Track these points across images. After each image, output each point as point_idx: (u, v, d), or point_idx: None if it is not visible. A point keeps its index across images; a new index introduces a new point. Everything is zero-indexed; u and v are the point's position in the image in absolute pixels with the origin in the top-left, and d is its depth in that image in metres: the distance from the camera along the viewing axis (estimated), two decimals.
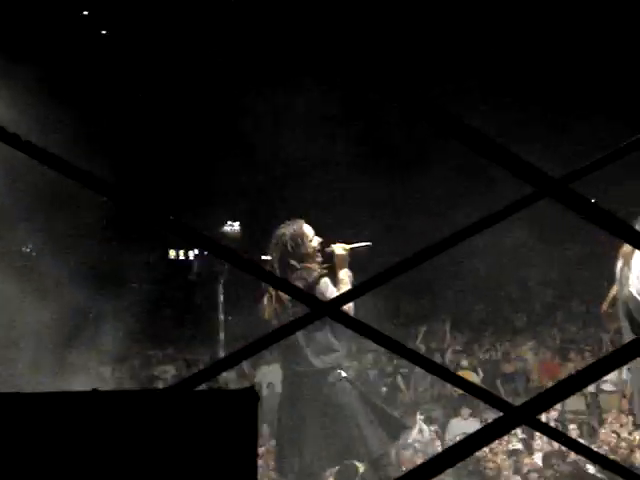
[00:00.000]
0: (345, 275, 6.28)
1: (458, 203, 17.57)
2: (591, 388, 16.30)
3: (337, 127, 18.53)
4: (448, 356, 17.93)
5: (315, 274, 6.18)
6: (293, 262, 6.23)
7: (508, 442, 11.47)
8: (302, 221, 6.46)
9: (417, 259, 1.45)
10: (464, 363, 17.34)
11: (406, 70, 16.63)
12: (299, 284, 5.74)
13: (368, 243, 6.45)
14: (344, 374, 6.36)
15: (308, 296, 1.36)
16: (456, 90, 17.68)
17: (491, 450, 11.07)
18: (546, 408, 1.26)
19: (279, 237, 6.34)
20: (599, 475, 9.90)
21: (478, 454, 10.87)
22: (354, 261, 6.44)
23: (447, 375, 1.42)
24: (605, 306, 4.62)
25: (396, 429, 6.37)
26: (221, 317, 17.35)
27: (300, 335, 6.10)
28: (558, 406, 15.48)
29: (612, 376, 16.29)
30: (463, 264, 21.34)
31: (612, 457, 10.55)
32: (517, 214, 1.42)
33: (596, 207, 1.35)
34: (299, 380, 6.26)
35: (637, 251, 4.33)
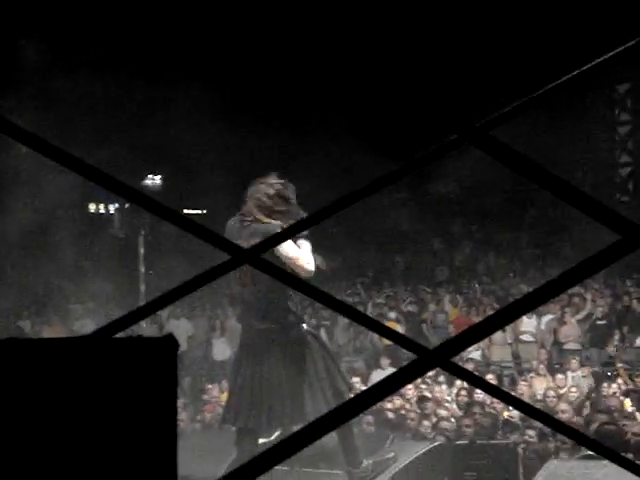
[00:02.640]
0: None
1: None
2: (510, 339, 16.60)
3: None
4: (370, 309, 18.10)
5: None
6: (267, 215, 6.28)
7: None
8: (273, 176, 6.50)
9: (337, 206, 1.45)
10: (390, 315, 17.55)
11: None
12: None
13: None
14: (306, 327, 6.43)
15: (228, 243, 1.35)
16: None
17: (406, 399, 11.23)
18: (460, 350, 1.27)
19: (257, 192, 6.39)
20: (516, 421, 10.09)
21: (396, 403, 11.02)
22: None
23: (372, 323, 1.43)
24: None
25: (338, 395, 6.38)
26: (142, 270, 17.26)
27: (256, 293, 6.17)
28: (478, 356, 15.74)
29: (531, 327, 16.60)
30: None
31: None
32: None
33: (516, 154, 1.36)
34: (261, 336, 6.29)
35: None
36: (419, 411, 10.71)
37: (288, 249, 6.10)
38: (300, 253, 6.15)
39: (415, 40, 18.41)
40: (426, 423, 10.13)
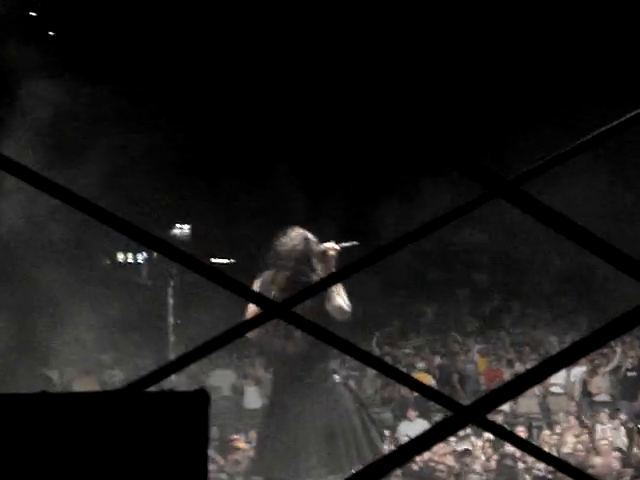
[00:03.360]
0: None
1: None
2: (539, 390, 16.45)
3: None
4: (401, 356, 18.03)
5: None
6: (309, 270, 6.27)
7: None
8: (299, 229, 6.50)
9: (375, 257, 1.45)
10: (419, 365, 17.47)
11: None
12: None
13: (355, 242, 6.46)
14: (338, 379, 6.42)
15: (259, 297, 1.36)
16: None
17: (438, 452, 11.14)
18: (495, 407, 1.26)
19: (290, 251, 6.36)
20: (549, 476, 9.99)
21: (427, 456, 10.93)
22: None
23: (399, 376, 1.43)
24: None
25: (373, 448, 6.32)
26: (170, 320, 17.27)
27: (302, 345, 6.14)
28: (507, 407, 15.61)
29: (560, 379, 16.45)
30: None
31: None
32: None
33: (547, 208, 1.36)
34: (295, 386, 6.26)
35: None
36: (448, 464, 10.63)
37: (338, 298, 6.15)
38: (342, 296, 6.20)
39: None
40: (449, 477, 10.06)
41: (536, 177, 1.35)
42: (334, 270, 6.31)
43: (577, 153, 1.52)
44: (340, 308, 6.16)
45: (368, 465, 1.27)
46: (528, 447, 1.43)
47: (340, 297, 6.19)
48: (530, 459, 10.48)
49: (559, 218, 1.32)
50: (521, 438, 1.33)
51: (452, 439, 11.88)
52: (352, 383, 16.08)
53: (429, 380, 16.64)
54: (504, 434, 1.33)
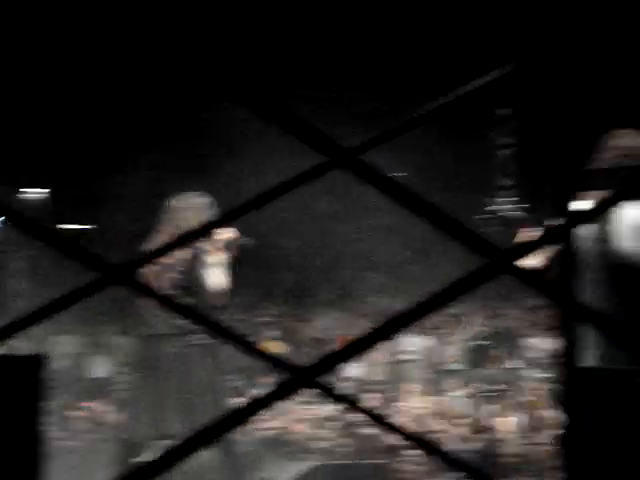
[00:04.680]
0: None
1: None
2: (391, 357, 16.74)
3: None
4: (251, 325, 18.08)
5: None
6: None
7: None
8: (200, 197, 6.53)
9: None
10: (274, 333, 17.57)
11: None
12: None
13: (252, 241, 6.58)
14: (196, 341, 6.42)
15: (98, 259, 1.35)
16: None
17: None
18: (331, 369, 1.29)
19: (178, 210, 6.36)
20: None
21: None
22: None
23: (243, 343, 1.44)
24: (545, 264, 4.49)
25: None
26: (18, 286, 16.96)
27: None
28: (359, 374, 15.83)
29: (412, 347, 16.78)
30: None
31: (413, 427, 10.86)
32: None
33: (387, 179, 1.39)
34: (147, 344, 6.29)
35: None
36: (300, 431, 10.73)
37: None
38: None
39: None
40: (306, 443, 10.16)
41: (377, 146, 1.38)
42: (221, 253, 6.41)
43: (418, 124, 1.55)
44: (215, 290, 6.24)
45: (213, 423, 1.28)
46: (369, 413, 1.47)
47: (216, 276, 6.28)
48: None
49: (398, 188, 1.35)
50: (361, 404, 1.36)
51: (307, 406, 11.98)
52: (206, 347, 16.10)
53: (282, 347, 16.81)
54: (341, 398, 1.35)
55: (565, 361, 1.97)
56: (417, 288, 20.96)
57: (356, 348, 1.36)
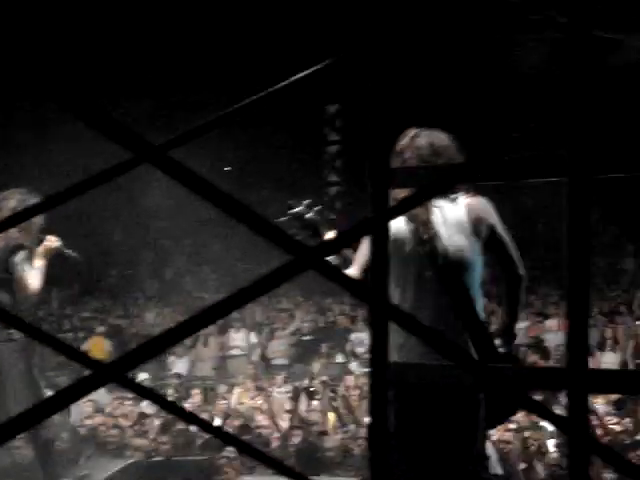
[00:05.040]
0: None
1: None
2: (217, 353, 16.74)
3: None
4: (76, 321, 17.81)
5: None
6: None
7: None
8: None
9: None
10: (99, 329, 17.33)
11: None
12: None
13: (77, 257, 6.59)
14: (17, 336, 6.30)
15: None
16: None
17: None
18: (137, 364, 1.30)
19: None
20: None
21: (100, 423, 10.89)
22: None
23: (48, 341, 1.43)
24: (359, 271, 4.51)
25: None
26: None
27: None
28: (184, 370, 15.74)
29: (240, 342, 16.81)
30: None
31: (237, 422, 10.89)
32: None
33: (194, 176, 1.40)
34: None
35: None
36: (118, 427, 10.63)
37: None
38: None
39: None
40: (124, 440, 10.07)
41: (185, 144, 1.39)
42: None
43: (229, 121, 1.57)
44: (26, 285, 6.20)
45: (16, 415, 1.27)
46: (175, 409, 1.48)
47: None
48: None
49: (205, 185, 1.36)
50: (162, 397, 1.37)
51: (127, 402, 11.85)
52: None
53: (105, 344, 16.62)
54: (146, 393, 1.36)
55: (373, 357, 2.02)
56: (243, 284, 21.05)
57: (162, 343, 1.37)
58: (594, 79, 1.85)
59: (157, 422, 10.95)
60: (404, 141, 4.54)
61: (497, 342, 4.50)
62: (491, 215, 4.44)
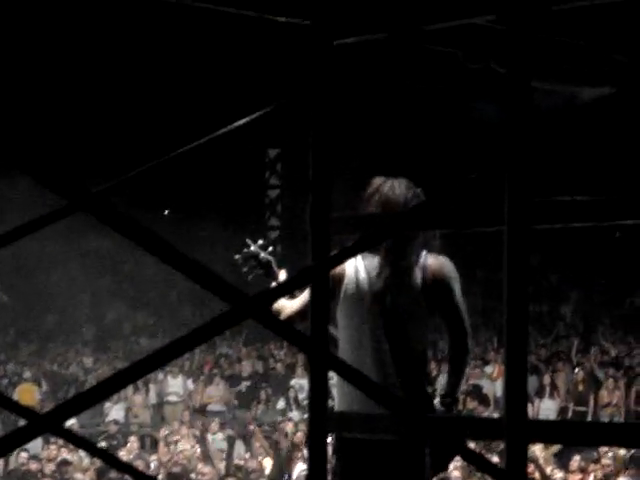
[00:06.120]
0: None
1: None
2: (154, 400, 16.57)
3: None
4: (10, 367, 17.56)
5: None
6: None
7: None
8: None
9: None
10: (27, 375, 17.13)
11: None
12: None
13: None
14: None
15: None
16: None
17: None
18: (72, 415, 1.28)
19: None
20: None
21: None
22: None
23: None
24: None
25: None
26: None
27: None
28: (121, 418, 15.56)
29: (177, 388, 16.67)
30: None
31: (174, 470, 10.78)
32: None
33: (130, 222, 1.39)
34: None
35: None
36: (57, 475, 10.49)
37: None
38: None
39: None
40: None
41: (124, 191, 1.38)
42: None
43: (186, 160, 1.57)
44: None
45: None
46: (105, 456, 1.45)
47: None
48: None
49: (140, 231, 1.35)
50: (96, 446, 1.35)
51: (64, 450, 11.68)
52: None
53: (35, 390, 16.46)
54: (79, 442, 1.34)
55: (312, 403, 2.01)
56: (183, 329, 20.92)
57: (98, 394, 1.35)
58: (533, 127, 1.87)
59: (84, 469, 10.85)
60: (370, 190, 4.55)
61: (437, 403, 4.49)
62: (450, 279, 4.41)
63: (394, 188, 4.52)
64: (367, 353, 4.37)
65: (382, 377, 4.31)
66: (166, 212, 23.83)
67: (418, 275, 4.40)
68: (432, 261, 4.43)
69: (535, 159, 1.80)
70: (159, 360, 1.50)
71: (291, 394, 15.97)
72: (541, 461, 9.71)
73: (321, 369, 1.80)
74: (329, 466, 4.20)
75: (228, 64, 17.33)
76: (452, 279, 4.43)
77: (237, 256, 4.99)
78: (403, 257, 4.40)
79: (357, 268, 4.38)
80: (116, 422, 14.85)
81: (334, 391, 4.38)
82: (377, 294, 4.37)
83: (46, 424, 1.28)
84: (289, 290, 1.58)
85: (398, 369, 4.37)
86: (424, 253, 4.44)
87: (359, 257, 4.37)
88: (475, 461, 1.51)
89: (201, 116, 16.20)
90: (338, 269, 4.34)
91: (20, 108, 17.17)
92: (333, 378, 4.14)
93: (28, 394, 16.14)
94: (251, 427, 13.33)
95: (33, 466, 10.91)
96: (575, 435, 1.95)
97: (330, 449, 4.22)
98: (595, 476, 9.85)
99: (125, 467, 1.39)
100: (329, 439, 4.20)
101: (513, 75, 1.82)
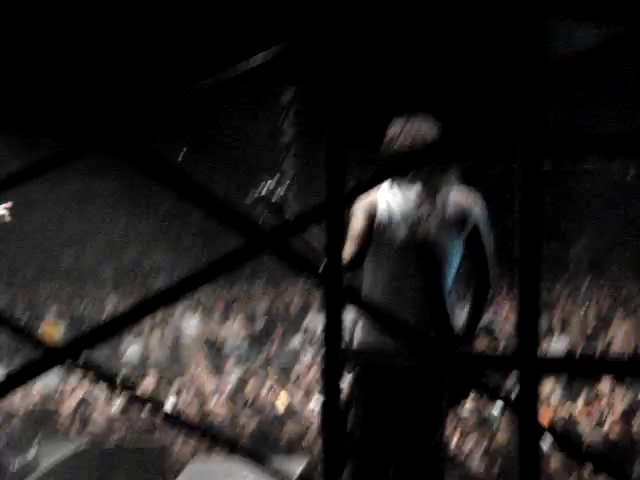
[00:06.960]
0: None
1: None
2: (170, 339, 16.64)
3: None
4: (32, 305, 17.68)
5: None
6: None
7: None
8: None
9: None
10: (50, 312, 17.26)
11: None
12: None
13: None
14: None
15: None
16: None
17: None
18: (87, 348, 1.29)
19: None
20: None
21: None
22: None
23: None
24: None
25: None
26: None
27: None
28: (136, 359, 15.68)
29: (191, 327, 16.75)
30: None
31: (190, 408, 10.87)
32: None
33: (152, 158, 1.40)
34: None
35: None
36: (70, 411, 10.56)
37: None
38: None
39: None
40: (75, 424, 10.00)
41: (140, 130, 1.39)
42: None
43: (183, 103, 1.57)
44: None
45: None
46: (124, 390, 1.48)
47: None
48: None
49: (162, 169, 1.36)
50: (115, 379, 1.37)
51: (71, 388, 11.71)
52: None
53: (59, 325, 16.59)
54: (99, 375, 1.36)
55: (327, 337, 2.03)
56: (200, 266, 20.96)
57: (117, 325, 1.37)
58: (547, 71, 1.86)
59: (103, 408, 10.90)
60: (394, 128, 4.54)
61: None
62: (477, 211, 4.43)
63: (421, 125, 4.52)
64: (397, 284, 4.40)
65: (409, 305, 4.35)
66: (182, 152, 23.72)
67: (450, 208, 4.43)
68: (461, 195, 4.46)
69: (546, 103, 1.79)
70: (177, 293, 1.51)
71: (306, 332, 15.99)
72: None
73: (336, 302, 1.82)
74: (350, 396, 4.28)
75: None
76: (480, 212, 4.48)
77: (254, 196, 4.98)
78: (437, 190, 4.42)
79: (389, 201, 4.40)
80: (131, 362, 14.93)
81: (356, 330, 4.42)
82: (411, 225, 4.40)
83: (64, 356, 1.30)
84: (304, 225, 1.59)
85: (426, 299, 4.41)
86: (455, 187, 4.47)
87: (394, 189, 4.41)
88: (490, 392, 1.53)
89: (216, 54, 16.08)
90: (370, 200, 4.38)
91: (32, 50, 17.07)
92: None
93: (53, 328, 16.40)
94: (270, 364, 13.38)
95: (50, 406, 10.99)
96: (585, 368, 1.96)
97: (349, 381, 4.29)
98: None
99: (145, 402, 1.42)
100: (349, 374, 4.26)
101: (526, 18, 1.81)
